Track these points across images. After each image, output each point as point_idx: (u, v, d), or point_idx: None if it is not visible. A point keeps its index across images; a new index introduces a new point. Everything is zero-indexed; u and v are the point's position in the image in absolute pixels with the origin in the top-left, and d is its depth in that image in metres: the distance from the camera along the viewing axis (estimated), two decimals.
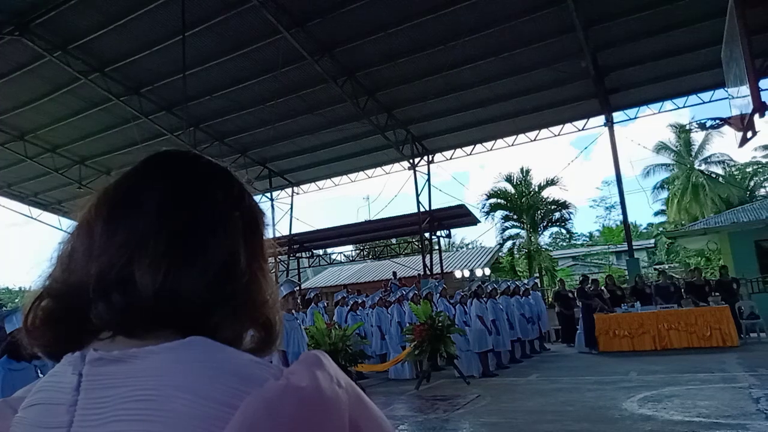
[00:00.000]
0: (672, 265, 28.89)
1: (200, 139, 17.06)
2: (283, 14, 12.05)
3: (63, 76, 13.93)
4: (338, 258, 25.97)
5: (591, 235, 40.99)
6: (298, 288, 12.01)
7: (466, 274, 21.29)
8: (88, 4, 11.65)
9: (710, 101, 15.70)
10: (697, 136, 27.51)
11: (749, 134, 8.36)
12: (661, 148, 28.37)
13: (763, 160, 29.30)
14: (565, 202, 25.91)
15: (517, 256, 26.85)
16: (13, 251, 76.07)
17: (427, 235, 19.21)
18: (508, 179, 26.70)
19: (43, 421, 0.52)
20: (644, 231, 38.67)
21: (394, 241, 25.37)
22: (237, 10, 11.88)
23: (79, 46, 13.14)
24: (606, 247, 35.81)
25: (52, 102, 15.36)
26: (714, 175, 27.80)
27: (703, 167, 28.04)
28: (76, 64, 13.54)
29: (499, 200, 26.58)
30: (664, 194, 30.03)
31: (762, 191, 29.29)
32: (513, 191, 26.55)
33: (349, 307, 12.28)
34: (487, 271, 23.03)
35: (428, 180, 18.83)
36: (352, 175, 20.94)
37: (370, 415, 0.51)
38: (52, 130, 16.84)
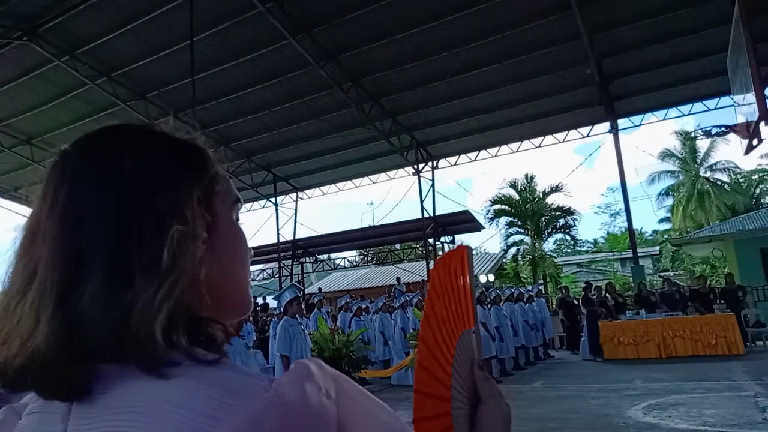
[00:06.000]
0: (677, 273, 28.74)
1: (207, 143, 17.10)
2: (289, 20, 12.10)
3: (70, 80, 14.02)
4: (342, 263, 25.98)
5: (596, 242, 40.85)
6: (301, 293, 12.01)
7: None
8: (96, 9, 11.73)
9: (715, 109, 15.71)
10: (703, 144, 27.47)
11: (755, 142, 8.35)
12: (666, 155, 28.29)
13: None
14: (569, 208, 25.88)
15: (522, 262, 26.78)
16: None
17: (431, 240, 19.20)
18: (513, 185, 26.68)
19: (40, 429, 0.52)
20: (649, 238, 38.52)
21: (398, 246, 25.34)
22: (243, 16, 11.94)
23: (87, 51, 13.22)
24: (611, 253, 35.68)
25: (59, 106, 15.46)
26: (719, 183, 27.69)
27: (708, 174, 27.94)
28: (84, 69, 13.63)
29: (503, 206, 26.54)
30: (669, 201, 29.94)
31: None
32: (517, 197, 26.52)
33: (352, 313, 12.27)
34: (491, 278, 22.97)
35: (432, 186, 18.85)
36: (357, 181, 20.99)
37: (368, 422, 0.51)
38: (59, 134, 16.94)
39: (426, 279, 18.01)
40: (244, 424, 0.44)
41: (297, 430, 0.45)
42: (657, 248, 34.38)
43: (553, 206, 26.07)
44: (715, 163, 28.03)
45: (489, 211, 26.37)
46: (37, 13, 11.85)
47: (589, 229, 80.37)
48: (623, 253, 32.41)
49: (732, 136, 14.00)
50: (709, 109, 15.82)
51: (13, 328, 0.50)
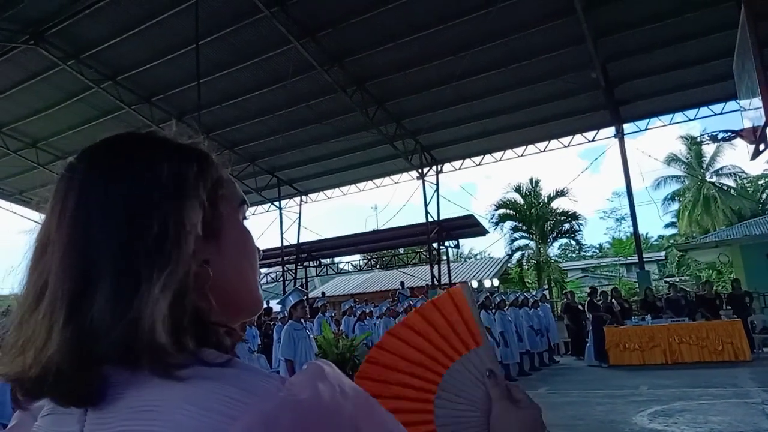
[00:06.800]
0: (683, 278, 28.62)
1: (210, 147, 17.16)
2: (294, 25, 12.14)
3: (76, 84, 14.10)
4: (346, 267, 25.97)
5: (601, 247, 40.73)
6: (305, 297, 12.00)
7: (475, 285, 21.20)
8: (102, 13, 11.80)
9: (721, 113, 15.62)
10: (709, 148, 27.37)
11: (762, 147, 8.31)
12: (672, 159, 28.21)
13: None
14: (574, 213, 25.82)
15: (526, 267, 26.72)
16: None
17: (435, 245, 19.16)
18: (518, 190, 26.64)
19: (57, 430, 0.53)
20: (655, 243, 38.37)
21: (402, 251, 25.33)
22: (248, 20, 11.98)
23: (92, 55, 13.29)
24: (616, 259, 35.54)
25: (64, 110, 15.53)
26: (725, 188, 27.59)
27: (714, 179, 27.85)
28: (89, 73, 13.70)
29: (508, 211, 26.51)
30: (675, 206, 29.84)
31: None
32: (522, 202, 26.47)
33: (356, 317, 12.24)
34: (496, 282, 22.91)
35: (437, 190, 18.83)
36: (361, 185, 20.98)
37: (381, 424, 0.51)
38: (64, 138, 17.03)
39: (430, 283, 17.99)
40: (257, 422, 0.44)
41: (310, 428, 0.45)
42: (663, 253, 34.24)
43: (558, 211, 26.02)
44: (721, 168, 27.97)
45: (494, 215, 26.39)
46: (43, 17, 11.93)
47: (595, 233, 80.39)
48: (629, 258, 32.30)
49: (738, 141, 13.96)
50: (715, 114, 15.76)
51: (27, 339, 0.51)
